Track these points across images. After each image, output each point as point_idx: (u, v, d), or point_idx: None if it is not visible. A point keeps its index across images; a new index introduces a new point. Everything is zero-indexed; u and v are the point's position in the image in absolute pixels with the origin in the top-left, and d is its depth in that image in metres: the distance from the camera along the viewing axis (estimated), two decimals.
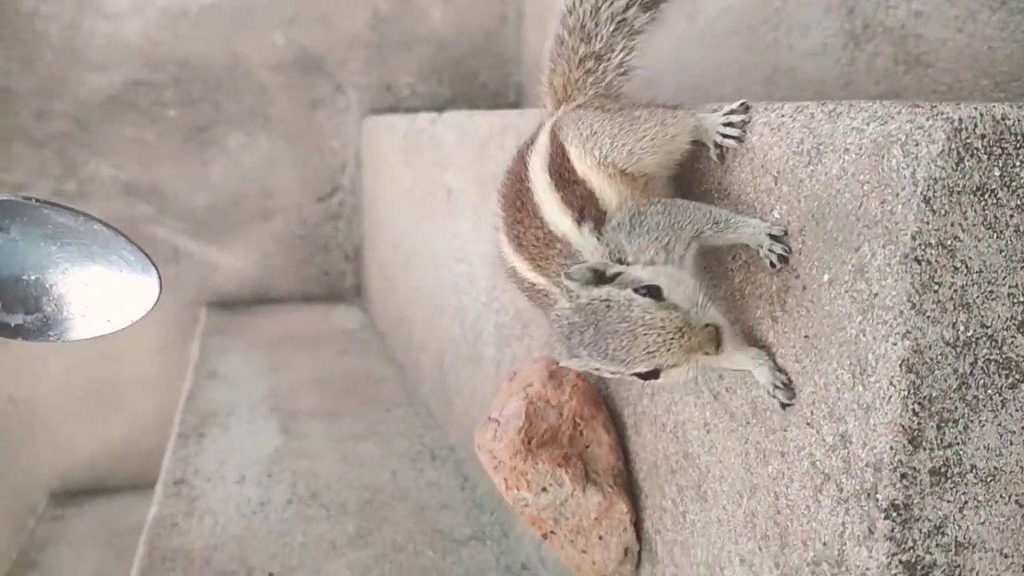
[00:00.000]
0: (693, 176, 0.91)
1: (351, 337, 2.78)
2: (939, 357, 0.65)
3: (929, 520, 0.67)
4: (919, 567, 0.68)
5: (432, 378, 2.10)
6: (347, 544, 1.54)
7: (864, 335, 0.67)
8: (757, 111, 0.81)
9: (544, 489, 1.01)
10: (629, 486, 1.06)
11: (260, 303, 3.09)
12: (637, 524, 1.05)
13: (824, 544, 0.73)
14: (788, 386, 0.76)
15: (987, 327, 0.65)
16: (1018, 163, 0.64)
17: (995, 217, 0.64)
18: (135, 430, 3.08)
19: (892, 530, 0.68)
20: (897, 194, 0.64)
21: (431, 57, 3.10)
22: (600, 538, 1.03)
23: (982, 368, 0.65)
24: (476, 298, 1.73)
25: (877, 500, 0.68)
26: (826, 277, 0.71)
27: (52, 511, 3.02)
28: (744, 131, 0.80)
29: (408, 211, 2.36)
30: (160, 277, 0.87)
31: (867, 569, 0.69)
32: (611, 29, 1.01)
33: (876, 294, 0.66)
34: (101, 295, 0.86)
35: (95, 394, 3.05)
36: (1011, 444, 0.66)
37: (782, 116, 0.78)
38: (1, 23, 2.83)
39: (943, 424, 0.66)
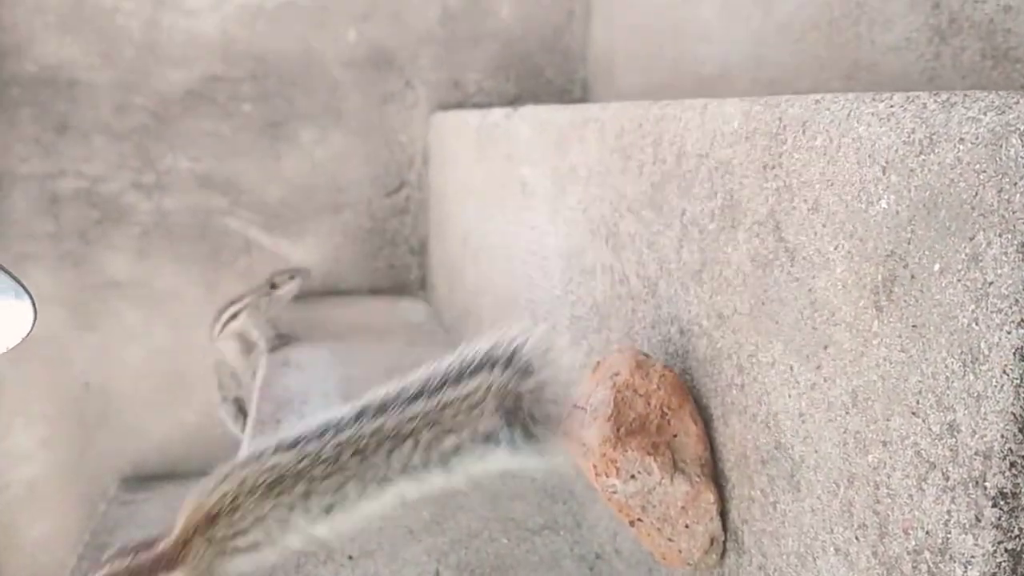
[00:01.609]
0: (794, 168, 0.91)
1: (417, 329, 2.81)
2: None
3: None
4: None
5: None
6: (423, 530, 1.57)
7: (977, 324, 0.67)
8: (863, 101, 0.82)
9: (633, 477, 1.02)
10: (716, 476, 1.06)
11: (329, 295, 3.15)
12: (723, 514, 1.05)
13: (927, 533, 0.73)
14: None
15: None
16: None
17: None
18: (205, 418, 3.16)
19: (999, 518, 0.67)
20: (1015, 183, 0.64)
21: (498, 53, 3.12)
22: (687, 527, 1.04)
23: None
24: (550, 290, 1.74)
25: (985, 488, 0.68)
26: (937, 266, 0.71)
27: (123, 495, 3.11)
28: None
29: (478, 205, 2.39)
30: (34, 304, 0.88)
31: (972, 557, 0.69)
32: None
33: (991, 283, 0.66)
34: None
35: (168, 382, 3.13)
36: None
37: (891, 106, 0.78)
38: (83, 19, 2.93)
39: None
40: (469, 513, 1.62)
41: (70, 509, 3.10)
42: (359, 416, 1.01)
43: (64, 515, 3.10)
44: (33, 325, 0.90)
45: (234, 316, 2.69)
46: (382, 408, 1.01)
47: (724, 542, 1.05)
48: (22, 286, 0.88)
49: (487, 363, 1.01)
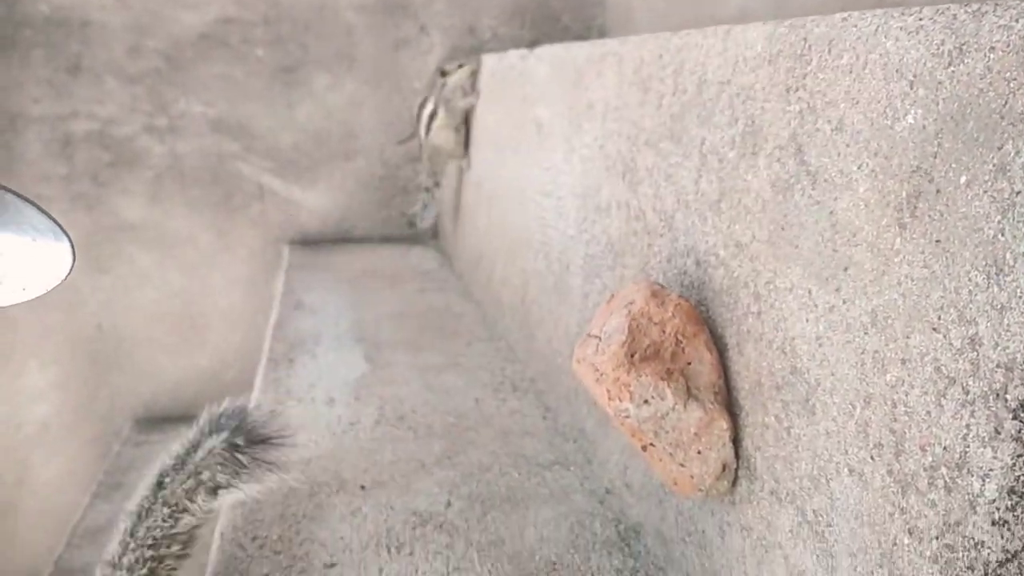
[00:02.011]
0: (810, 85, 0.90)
1: (430, 276, 2.82)
2: None
3: None
4: None
5: (513, 313, 2.13)
6: (435, 463, 1.58)
7: (1003, 235, 0.67)
8: (892, 16, 0.80)
9: (646, 401, 1.02)
10: (729, 404, 1.07)
11: (341, 242, 3.15)
12: (736, 441, 1.06)
13: (944, 448, 0.73)
14: None
15: None
16: None
17: None
18: (218, 362, 3.18)
19: (1019, 430, 0.67)
20: None
21: None
22: (699, 453, 1.04)
23: None
24: (564, 231, 1.74)
25: (1006, 400, 0.68)
26: (963, 179, 0.70)
27: (136, 436, 3.15)
28: None
29: (492, 150, 2.37)
30: (72, 245, 0.89)
31: (990, 471, 0.69)
32: None
33: (1019, 192, 0.65)
34: (15, 264, 0.87)
35: (181, 325, 3.15)
36: None
37: (920, 19, 0.77)
38: None
39: None
40: (480, 449, 1.63)
41: (83, 449, 3.14)
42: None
43: (77, 455, 3.14)
44: (72, 267, 0.90)
45: (432, 115, 2.68)
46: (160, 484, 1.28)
47: (736, 469, 1.06)
48: (61, 228, 0.88)
49: (203, 434, 1.30)
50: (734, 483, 1.06)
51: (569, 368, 1.67)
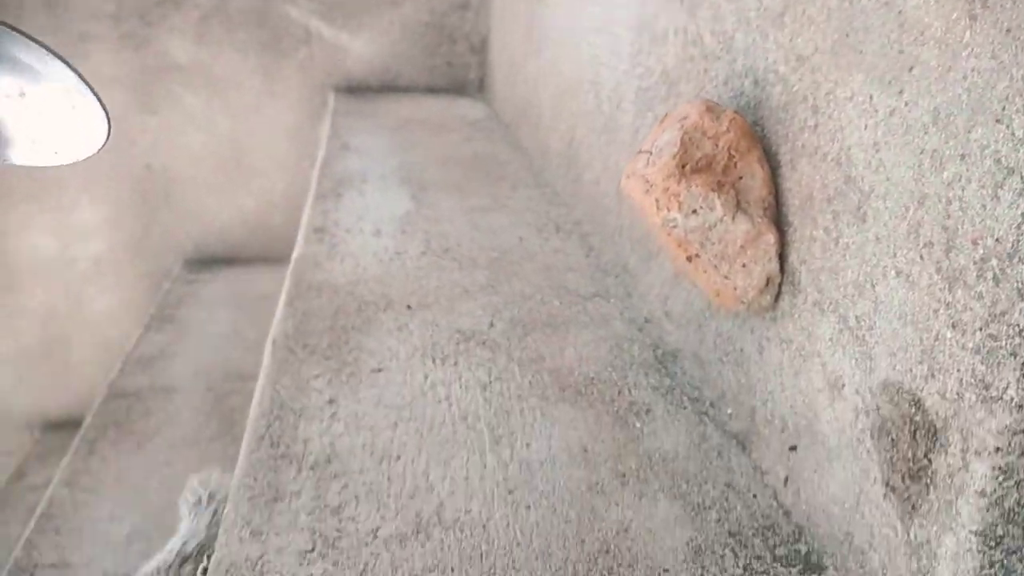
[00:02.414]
0: None
1: (476, 126, 2.80)
2: None
3: None
4: None
5: (560, 158, 2.12)
6: (479, 290, 1.62)
7: None
8: None
9: (695, 211, 1.03)
10: (777, 220, 1.07)
11: (386, 90, 3.13)
12: (781, 257, 1.07)
13: (996, 240, 0.74)
14: None
15: None
16: None
17: None
18: (264, 206, 3.22)
19: None
20: None
21: None
22: (744, 266, 1.06)
23: None
24: (616, 67, 1.71)
25: None
26: None
27: (186, 276, 3.23)
28: None
29: None
30: (109, 121, 0.90)
31: None
32: None
33: None
34: (52, 127, 0.89)
35: (227, 168, 3.18)
36: None
37: None
38: None
39: None
40: (523, 280, 1.66)
41: (135, 285, 3.24)
42: None
43: (129, 291, 3.24)
44: (105, 143, 0.92)
45: None
46: None
47: (779, 284, 1.07)
48: (102, 104, 0.88)
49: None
50: (777, 297, 1.08)
51: (615, 208, 1.68)
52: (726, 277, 1.06)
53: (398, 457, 1.13)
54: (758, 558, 0.98)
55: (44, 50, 0.85)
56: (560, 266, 1.74)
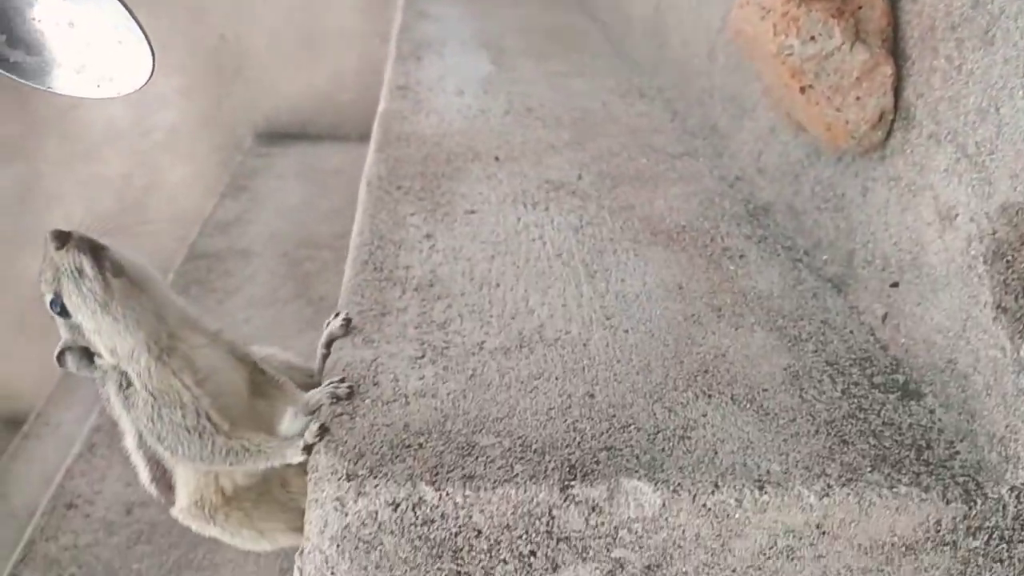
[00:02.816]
0: None
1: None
2: None
3: None
4: None
5: (644, 24, 2.08)
6: (564, 146, 1.62)
7: None
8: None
9: (812, 38, 1.02)
10: (895, 52, 1.05)
11: None
12: (897, 92, 1.05)
13: None
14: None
15: None
16: None
17: None
18: (335, 81, 3.23)
19: None
20: None
21: None
22: (858, 99, 1.04)
23: None
24: None
25: None
26: None
27: (257, 149, 3.27)
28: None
29: None
30: (154, 61, 0.89)
31: None
32: None
33: None
34: (98, 60, 0.88)
35: (300, 42, 3.18)
36: None
37: None
38: None
39: None
40: (608, 139, 1.66)
41: (208, 157, 3.29)
42: None
43: (202, 162, 3.29)
44: (148, 81, 0.92)
45: None
46: None
47: (892, 120, 1.06)
48: (149, 43, 0.88)
49: None
50: (888, 134, 1.07)
51: (706, 69, 1.65)
52: (838, 110, 1.05)
53: (497, 285, 1.16)
54: (855, 384, 1.00)
55: None
56: (645, 128, 1.73)
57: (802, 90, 1.05)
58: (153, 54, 0.92)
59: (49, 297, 0.92)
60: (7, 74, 0.92)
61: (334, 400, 0.91)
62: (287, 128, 3.28)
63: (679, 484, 0.84)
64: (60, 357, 0.95)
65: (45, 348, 0.97)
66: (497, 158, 1.54)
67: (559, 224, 1.32)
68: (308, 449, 0.86)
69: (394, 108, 1.76)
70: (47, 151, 3.24)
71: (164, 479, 1.02)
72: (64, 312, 0.92)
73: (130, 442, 0.99)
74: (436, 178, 1.46)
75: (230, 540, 1.08)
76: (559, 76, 2.02)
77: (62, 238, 0.89)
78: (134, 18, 0.90)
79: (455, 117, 1.74)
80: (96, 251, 0.90)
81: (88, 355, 0.95)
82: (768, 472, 0.86)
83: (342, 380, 0.93)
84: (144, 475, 1.03)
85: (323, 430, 0.86)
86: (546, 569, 0.86)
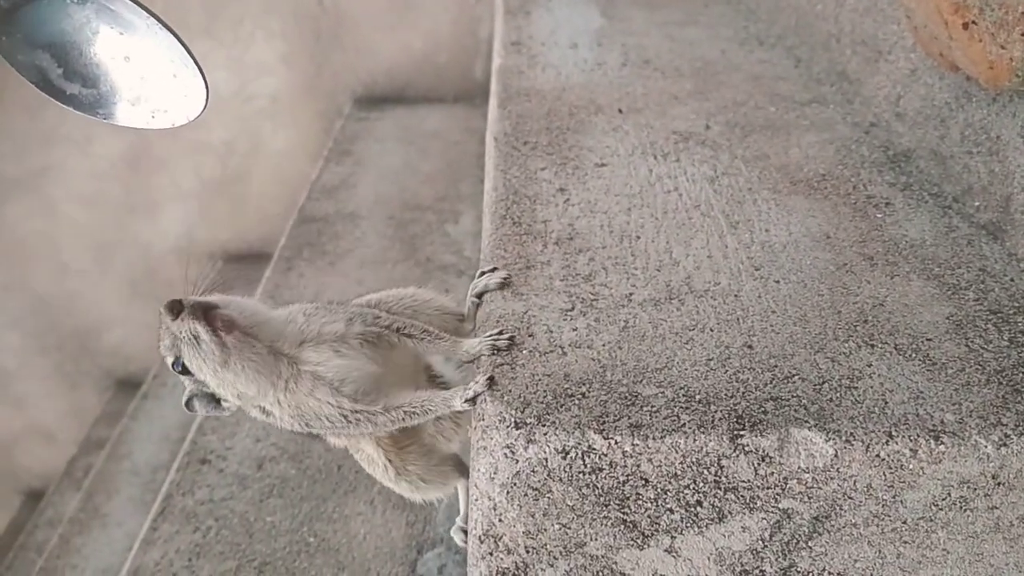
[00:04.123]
0: None
1: None
2: None
3: None
4: None
5: None
6: (688, 96, 1.59)
7: None
8: None
9: None
10: None
11: None
12: None
13: None
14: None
15: None
16: None
17: None
18: (431, 44, 3.22)
19: None
20: None
21: None
22: (1023, 35, 0.99)
23: None
24: None
25: None
26: None
27: (357, 113, 3.30)
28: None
29: None
30: (208, 93, 0.91)
31: None
32: None
33: None
34: (153, 92, 0.91)
35: (396, 4, 3.18)
36: None
37: None
38: None
39: None
40: (732, 88, 1.62)
41: (309, 123, 3.34)
42: None
43: (303, 128, 3.34)
44: (203, 111, 0.94)
45: None
46: None
47: None
48: (203, 75, 0.89)
49: None
50: None
51: (831, 13, 1.59)
52: (1003, 47, 1.00)
53: (638, 237, 1.14)
54: (1022, 333, 0.96)
55: (154, 19, 0.87)
56: (769, 76, 1.68)
57: (964, 26, 1.00)
58: (207, 86, 0.93)
59: (171, 360, 0.96)
60: (63, 105, 0.94)
61: (495, 351, 0.91)
62: (385, 92, 3.30)
63: (851, 434, 0.82)
64: (188, 404, 1.00)
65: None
66: (621, 110, 1.52)
67: (693, 175, 1.30)
68: (473, 400, 0.87)
69: (510, 64, 1.75)
70: None
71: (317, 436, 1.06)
72: (186, 371, 0.95)
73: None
74: (561, 132, 1.45)
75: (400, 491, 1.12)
76: (673, 26, 1.98)
77: (175, 309, 0.93)
78: (189, 53, 0.91)
79: (572, 71, 1.72)
80: (208, 313, 0.93)
81: (215, 399, 0.99)
82: (943, 422, 0.84)
83: (500, 332, 0.94)
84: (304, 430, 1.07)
85: (490, 381, 0.87)
86: (712, 519, 0.85)
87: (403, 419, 0.94)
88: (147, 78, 0.93)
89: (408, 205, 2.69)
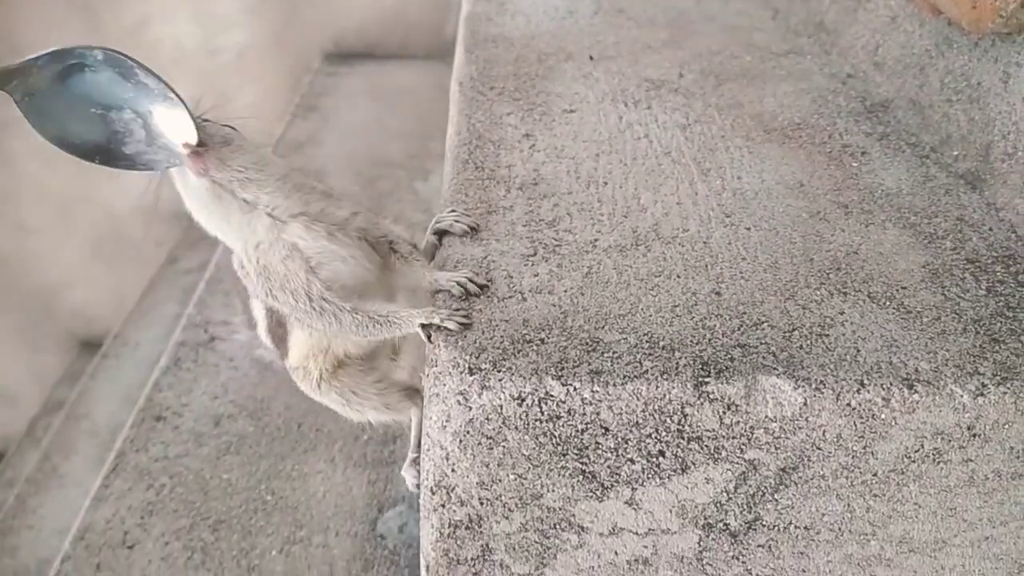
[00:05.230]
0: None
1: None
2: None
3: None
4: None
5: None
6: (661, 45, 1.53)
7: None
8: None
9: None
10: None
11: None
12: None
13: None
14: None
15: None
16: None
17: None
18: (401, 1, 3.14)
19: None
20: None
21: None
22: None
23: None
24: None
25: None
26: None
27: (325, 69, 3.22)
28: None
29: None
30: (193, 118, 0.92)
31: None
32: None
33: None
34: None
35: None
36: None
37: None
38: None
39: None
40: (707, 38, 1.56)
41: (277, 78, 3.25)
42: None
43: (271, 83, 3.25)
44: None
45: None
46: None
47: None
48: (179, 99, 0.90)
49: None
50: None
51: None
52: None
53: (605, 183, 1.10)
54: (1000, 283, 0.92)
55: (162, 83, 0.90)
56: (745, 26, 1.63)
57: None
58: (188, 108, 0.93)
59: None
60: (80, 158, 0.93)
61: (464, 294, 0.87)
62: (355, 47, 3.21)
63: (821, 382, 0.79)
64: None
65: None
66: (592, 57, 1.47)
67: (664, 122, 1.25)
68: (435, 329, 0.83)
69: (478, 11, 1.69)
70: None
71: (280, 333, 1.03)
72: None
73: (253, 294, 0.98)
74: (529, 79, 1.39)
75: (327, 403, 1.07)
76: None
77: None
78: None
79: (542, 19, 1.66)
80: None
81: None
82: (917, 370, 0.80)
83: (477, 275, 0.89)
84: (262, 326, 1.05)
85: (464, 320, 0.83)
86: (675, 470, 0.81)
87: (368, 326, 0.90)
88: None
89: (376, 162, 2.63)
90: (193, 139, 0.89)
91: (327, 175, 2.53)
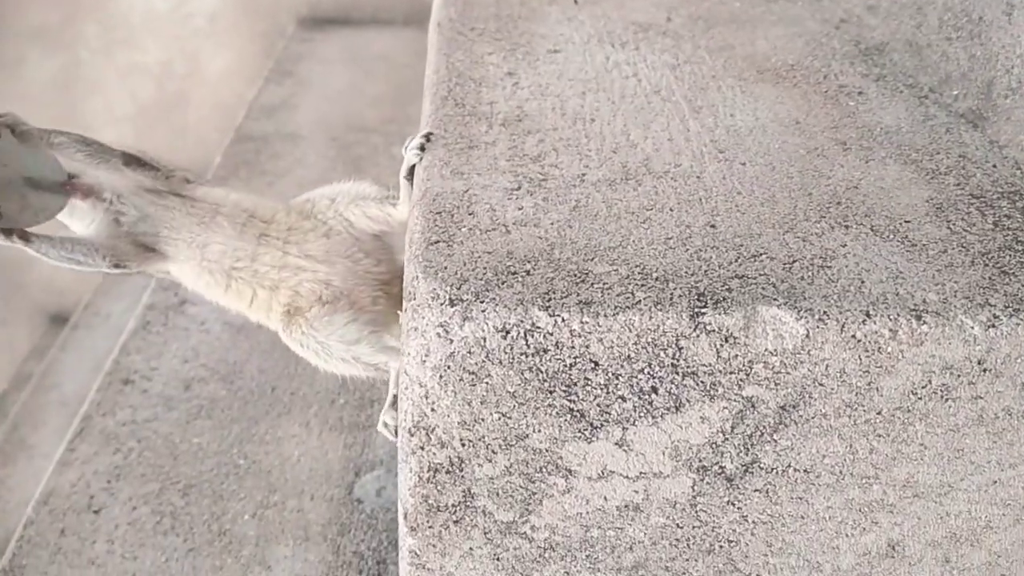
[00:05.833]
0: None
1: None
2: None
3: None
4: None
5: None
6: None
7: None
8: None
9: None
10: None
11: None
12: None
13: None
14: None
15: None
16: None
17: None
18: None
19: None
20: None
21: None
22: None
23: None
24: None
25: None
26: None
27: (300, 34, 3.13)
28: None
29: None
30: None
31: None
32: None
33: None
34: None
35: None
36: None
37: None
38: None
39: None
40: None
41: (250, 44, 3.16)
42: None
43: (244, 49, 3.17)
44: None
45: None
46: None
47: None
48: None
49: None
50: None
51: None
52: None
53: (592, 120, 1.04)
54: (1007, 217, 0.88)
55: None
56: None
57: None
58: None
59: None
60: None
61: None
62: (330, 12, 3.14)
63: (825, 313, 0.74)
64: None
65: None
66: (576, 1, 1.41)
67: (653, 63, 1.20)
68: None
69: None
70: (87, 38, 3.13)
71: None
72: None
73: None
74: (512, 19, 1.33)
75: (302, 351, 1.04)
76: None
77: None
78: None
79: None
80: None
81: None
82: (925, 301, 0.76)
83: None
84: None
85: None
86: (668, 408, 0.77)
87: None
88: None
89: (353, 127, 2.56)
90: None
91: (301, 139, 2.46)
